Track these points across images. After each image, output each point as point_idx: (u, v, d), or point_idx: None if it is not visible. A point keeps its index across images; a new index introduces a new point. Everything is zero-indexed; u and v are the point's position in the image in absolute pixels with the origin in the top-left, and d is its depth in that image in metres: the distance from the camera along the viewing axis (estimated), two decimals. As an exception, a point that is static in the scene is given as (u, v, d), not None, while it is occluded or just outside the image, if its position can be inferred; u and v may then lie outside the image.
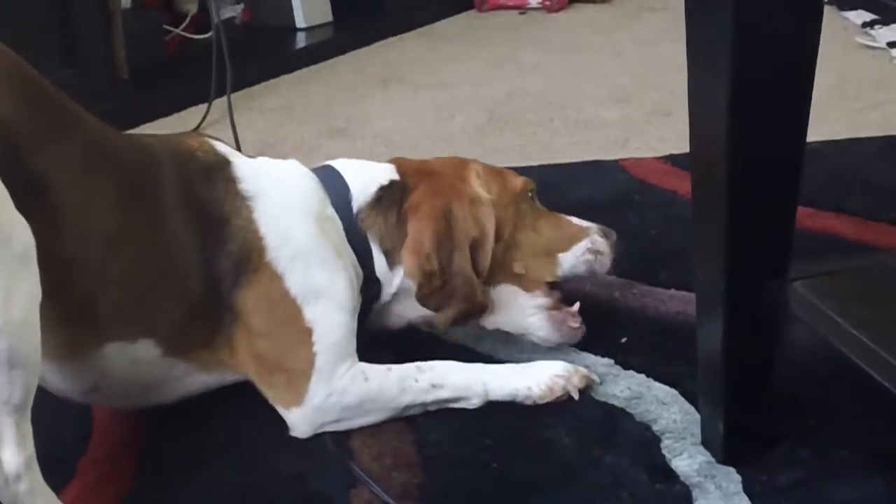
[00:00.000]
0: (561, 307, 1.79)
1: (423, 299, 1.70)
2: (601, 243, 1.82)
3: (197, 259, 1.58)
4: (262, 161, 1.74)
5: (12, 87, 1.38)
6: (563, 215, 1.86)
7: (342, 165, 1.79)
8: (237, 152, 1.71)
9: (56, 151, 1.44)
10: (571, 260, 1.81)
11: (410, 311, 1.76)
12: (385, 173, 1.77)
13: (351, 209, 1.72)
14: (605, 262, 1.83)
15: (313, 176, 1.74)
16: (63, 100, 1.49)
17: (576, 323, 1.79)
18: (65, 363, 1.53)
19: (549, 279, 1.80)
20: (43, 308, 1.37)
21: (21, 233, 1.28)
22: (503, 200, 1.78)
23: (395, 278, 1.74)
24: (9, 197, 1.28)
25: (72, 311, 1.50)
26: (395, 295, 1.75)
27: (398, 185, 1.75)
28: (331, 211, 1.70)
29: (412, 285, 1.70)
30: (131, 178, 1.55)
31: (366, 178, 1.76)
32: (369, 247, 1.72)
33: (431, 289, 1.69)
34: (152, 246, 1.55)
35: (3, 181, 1.28)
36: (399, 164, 1.81)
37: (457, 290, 1.69)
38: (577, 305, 1.81)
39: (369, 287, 1.73)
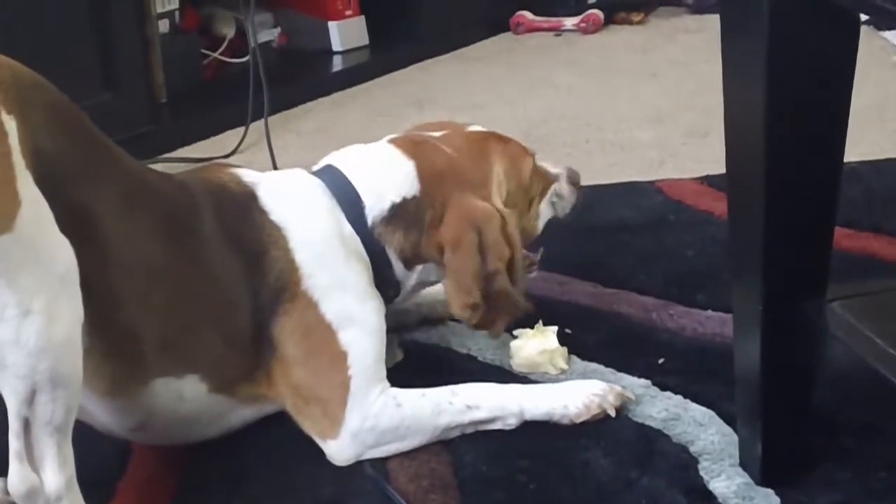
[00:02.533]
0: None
1: (475, 327, 1.75)
2: (565, 189, 1.91)
3: (238, 292, 1.59)
4: (272, 179, 1.72)
5: (54, 121, 1.39)
6: (539, 162, 1.91)
7: (350, 168, 1.76)
8: (256, 174, 1.71)
9: (97, 185, 1.45)
10: (543, 209, 1.91)
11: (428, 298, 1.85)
12: (401, 187, 1.73)
13: (365, 222, 1.71)
14: (566, 206, 1.93)
15: (325, 189, 1.72)
16: (102, 137, 1.50)
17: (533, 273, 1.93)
18: (111, 399, 1.54)
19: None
20: (88, 343, 1.39)
21: (63, 254, 1.29)
22: (518, 193, 1.83)
23: (413, 276, 1.77)
24: (52, 219, 1.29)
25: (117, 347, 1.50)
26: (414, 287, 1.80)
27: (415, 202, 1.73)
28: (348, 228, 1.70)
29: (427, 276, 1.76)
30: (170, 214, 1.57)
31: (379, 191, 1.73)
32: (387, 257, 1.73)
33: (479, 317, 1.71)
34: (194, 280, 1.56)
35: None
36: (419, 160, 1.76)
37: (502, 308, 1.73)
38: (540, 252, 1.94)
39: (388, 288, 1.74)
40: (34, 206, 1.27)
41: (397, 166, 1.76)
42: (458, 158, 1.79)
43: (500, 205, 1.77)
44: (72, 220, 1.35)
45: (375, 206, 1.72)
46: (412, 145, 1.80)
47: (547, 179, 1.91)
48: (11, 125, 1.28)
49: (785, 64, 1.26)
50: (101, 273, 1.44)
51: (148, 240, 1.52)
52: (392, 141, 1.82)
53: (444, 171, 1.76)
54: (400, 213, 1.72)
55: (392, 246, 1.73)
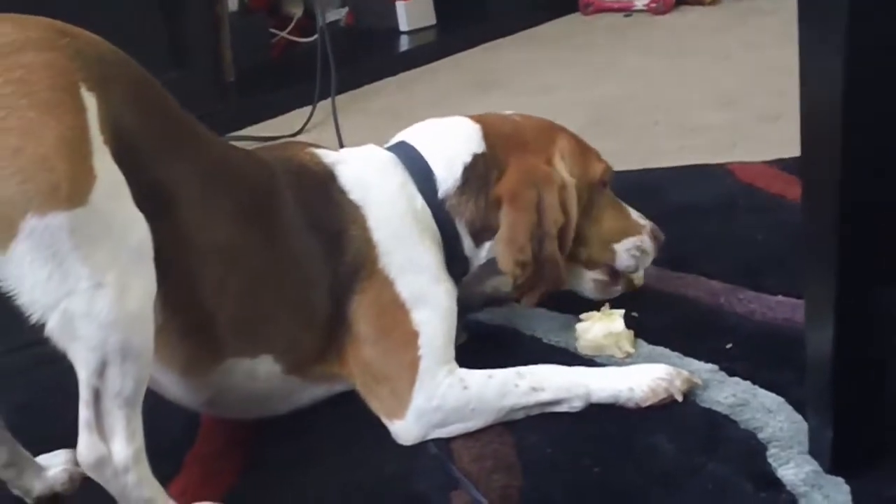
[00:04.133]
0: (608, 279, 1.90)
1: (516, 288, 1.75)
2: (649, 245, 1.90)
3: (316, 272, 1.60)
4: (349, 158, 1.73)
5: (136, 98, 1.40)
6: (625, 206, 1.92)
7: (421, 141, 1.78)
8: (334, 153, 1.72)
9: (177, 165, 1.46)
10: (621, 252, 1.89)
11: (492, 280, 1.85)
12: (468, 145, 1.76)
13: (437, 195, 1.73)
14: (646, 262, 1.92)
15: (398, 163, 1.74)
16: (183, 114, 1.51)
17: (617, 291, 1.92)
18: (185, 376, 1.56)
19: (605, 260, 1.88)
20: (164, 321, 1.41)
21: (137, 229, 1.30)
22: (580, 186, 1.81)
23: (481, 252, 1.77)
24: (128, 194, 1.30)
25: (194, 325, 1.52)
26: (481, 267, 1.80)
27: (482, 159, 1.75)
28: (420, 201, 1.71)
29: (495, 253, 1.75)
30: (250, 194, 1.57)
31: (449, 157, 1.75)
32: (457, 231, 1.74)
33: (525, 277, 1.71)
34: (273, 261, 1.57)
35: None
36: (485, 124, 1.80)
37: (546, 274, 1.73)
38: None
39: (457, 265, 1.75)
40: (110, 181, 1.28)
41: (464, 130, 1.79)
42: (526, 126, 1.82)
43: (563, 172, 1.78)
44: (150, 198, 1.36)
45: (448, 177, 1.74)
46: (480, 115, 1.84)
47: (629, 220, 1.90)
48: (91, 101, 1.28)
49: (865, 46, 1.24)
50: (179, 252, 1.45)
51: (228, 220, 1.53)
52: (464, 115, 1.85)
53: (509, 133, 1.79)
54: (470, 177, 1.73)
55: (462, 217, 1.74)
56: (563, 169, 1.78)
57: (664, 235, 1.92)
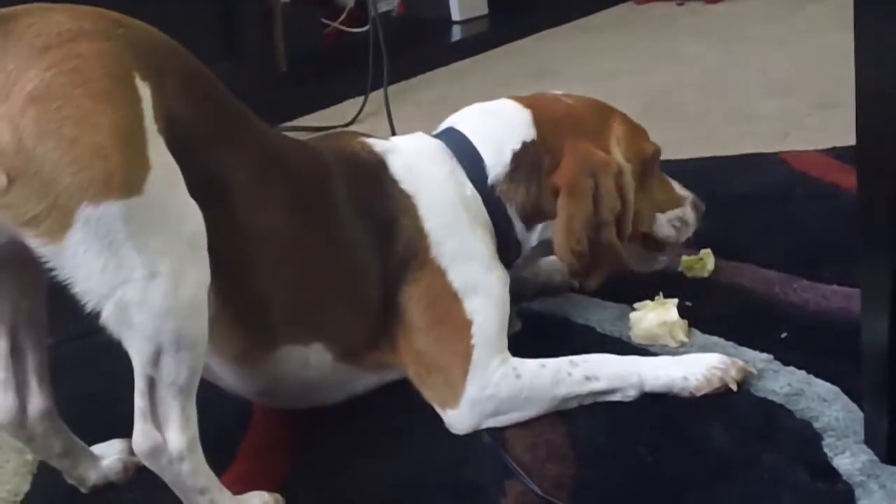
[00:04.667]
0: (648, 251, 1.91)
1: (575, 275, 1.76)
2: (690, 216, 1.90)
3: (368, 261, 1.60)
4: (400, 147, 1.73)
5: (189, 88, 1.40)
6: (667, 178, 1.92)
7: (470, 128, 1.77)
8: (385, 142, 1.72)
9: (231, 154, 1.47)
10: (663, 222, 1.89)
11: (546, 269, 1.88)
12: (518, 131, 1.75)
13: (486, 181, 1.72)
14: (688, 232, 1.92)
15: (446, 151, 1.74)
16: (237, 104, 1.52)
17: (662, 262, 1.94)
18: (238, 365, 1.57)
19: (645, 230, 1.88)
20: (217, 310, 1.42)
21: (192, 218, 1.30)
22: (634, 167, 1.80)
23: (532, 235, 1.77)
24: (182, 183, 1.31)
25: (247, 314, 1.53)
26: (534, 249, 1.80)
27: (533, 146, 1.74)
28: (470, 189, 1.71)
29: (547, 234, 1.75)
30: (303, 184, 1.58)
31: (498, 143, 1.74)
32: (508, 216, 1.74)
33: (583, 265, 1.71)
34: (326, 250, 1.58)
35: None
36: (536, 108, 1.78)
37: (605, 260, 1.72)
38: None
39: (509, 249, 1.75)
40: (164, 170, 1.29)
41: (513, 115, 1.78)
42: (578, 108, 1.80)
43: (619, 157, 1.77)
44: (204, 187, 1.36)
45: (497, 163, 1.73)
46: (530, 98, 1.83)
47: (672, 193, 1.90)
48: (146, 91, 1.29)
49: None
50: (233, 241, 1.46)
51: (280, 210, 1.53)
52: (512, 97, 1.83)
53: (561, 118, 1.77)
54: (520, 164, 1.73)
55: (513, 202, 1.73)
56: (619, 154, 1.77)
57: (704, 205, 1.92)
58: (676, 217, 1.89)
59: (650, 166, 1.85)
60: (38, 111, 1.20)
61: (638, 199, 1.81)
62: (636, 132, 1.85)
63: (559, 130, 1.75)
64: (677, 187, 1.91)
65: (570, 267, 1.72)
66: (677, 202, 1.90)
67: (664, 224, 1.88)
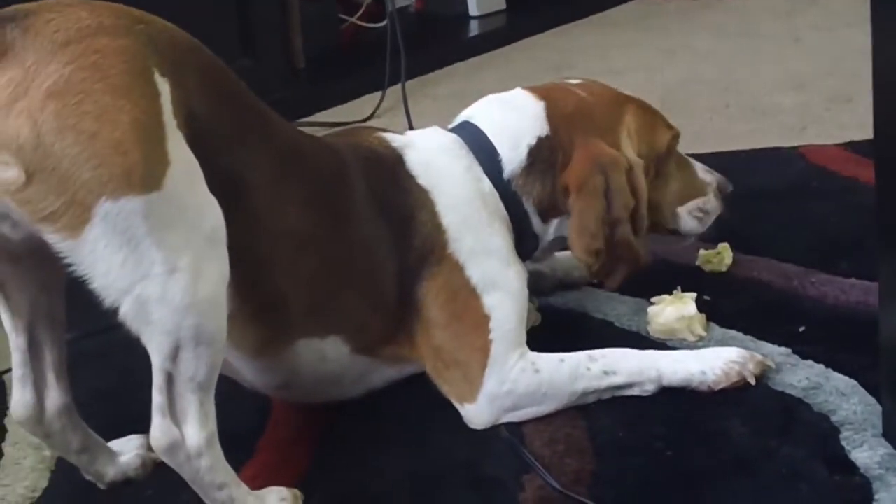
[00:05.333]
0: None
1: (593, 275, 1.74)
2: (712, 205, 1.88)
3: (386, 256, 1.60)
4: (416, 142, 1.72)
5: (208, 84, 1.41)
6: (691, 163, 1.89)
7: (486, 121, 1.76)
8: (402, 137, 1.73)
9: (249, 151, 1.47)
10: (684, 214, 1.87)
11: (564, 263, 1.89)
12: (532, 127, 1.73)
13: (503, 176, 1.72)
14: (709, 222, 1.89)
15: (462, 145, 1.73)
16: (256, 101, 1.52)
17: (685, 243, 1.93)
18: (258, 359, 1.58)
19: (666, 224, 1.87)
20: (236, 306, 1.42)
21: (211, 214, 1.31)
22: (648, 162, 1.78)
23: (550, 228, 1.76)
24: (202, 179, 1.31)
25: (265, 309, 1.53)
26: (551, 243, 1.79)
27: (547, 142, 1.72)
28: (487, 183, 1.70)
29: (564, 230, 1.74)
30: (321, 181, 1.58)
31: (513, 137, 1.73)
32: (525, 209, 1.73)
33: (600, 264, 1.70)
34: (343, 245, 1.58)
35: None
36: (549, 101, 1.76)
37: (622, 257, 1.71)
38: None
39: (527, 243, 1.74)
40: (184, 165, 1.29)
41: (528, 109, 1.76)
42: (590, 102, 1.78)
43: (629, 153, 1.75)
44: (223, 184, 1.36)
45: (513, 157, 1.72)
46: (544, 89, 1.81)
47: (694, 179, 1.88)
48: (165, 87, 1.29)
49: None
50: (251, 238, 1.46)
51: (299, 206, 1.53)
52: (527, 87, 1.82)
53: (573, 112, 1.75)
54: (535, 159, 1.72)
55: (530, 197, 1.72)
56: (629, 149, 1.76)
57: (731, 186, 1.90)
58: (697, 207, 1.87)
59: (667, 157, 1.83)
60: (57, 106, 1.20)
61: (656, 190, 1.80)
62: (650, 123, 1.82)
63: (571, 126, 1.73)
64: (701, 171, 1.89)
65: (589, 267, 1.71)
66: (700, 190, 1.87)
67: (685, 217, 1.86)
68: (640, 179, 1.74)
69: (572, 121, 1.74)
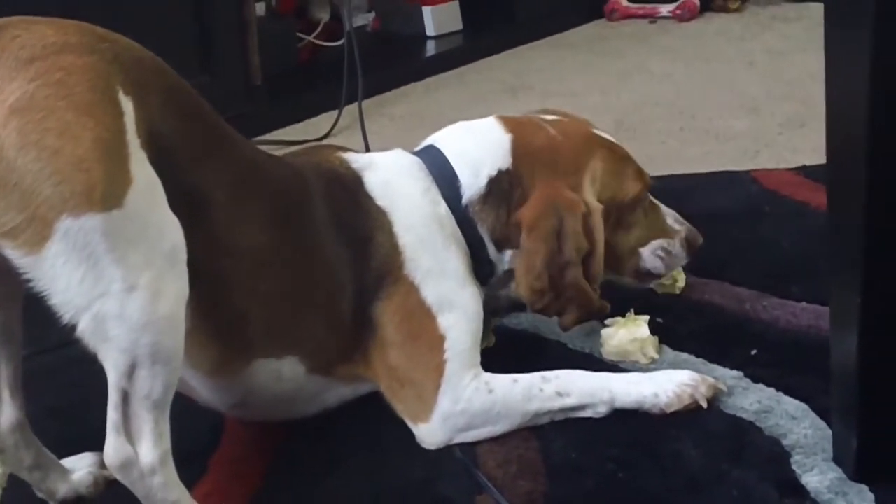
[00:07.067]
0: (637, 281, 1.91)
1: (538, 312, 1.74)
2: (677, 249, 1.89)
3: (344, 277, 1.61)
4: (377, 163, 1.73)
5: (171, 104, 1.41)
6: (661, 210, 1.90)
7: (450, 147, 1.76)
8: (363, 158, 1.73)
9: (211, 169, 1.47)
10: (646, 254, 1.88)
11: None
12: (495, 158, 1.73)
13: (461, 201, 1.72)
14: (676, 264, 1.91)
15: (422, 168, 1.74)
16: (218, 120, 1.52)
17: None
18: (214, 377, 1.58)
19: (630, 265, 1.88)
20: (194, 324, 1.42)
21: (172, 232, 1.31)
22: (609, 209, 1.78)
23: (504, 258, 1.76)
24: (164, 198, 1.31)
25: (224, 328, 1.53)
26: (506, 272, 1.78)
27: (507, 176, 1.72)
28: (444, 207, 1.71)
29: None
30: (282, 201, 1.58)
31: (474, 165, 1.73)
32: (480, 235, 1.73)
33: (544, 303, 1.71)
34: (303, 266, 1.58)
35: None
36: (517, 136, 1.76)
37: (572, 300, 1.71)
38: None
39: (483, 268, 1.75)
40: (146, 184, 1.29)
41: (494, 139, 1.76)
42: (558, 141, 1.77)
43: (589, 198, 1.75)
44: (184, 203, 1.36)
45: (473, 184, 1.72)
46: (515, 122, 1.80)
47: (661, 228, 1.89)
48: (129, 106, 1.30)
49: (891, 51, 1.24)
50: (211, 256, 1.46)
51: (259, 225, 1.54)
52: (499, 117, 1.82)
53: (538, 150, 1.75)
54: (493, 189, 1.72)
55: (485, 224, 1.73)
56: (590, 194, 1.75)
57: (702, 239, 1.91)
58: (661, 247, 1.87)
59: (631, 206, 1.83)
60: (20, 122, 1.20)
61: (617, 235, 1.81)
62: (619, 170, 1.82)
63: (534, 163, 1.73)
64: (672, 220, 1.90)
65: (531, 304, 1.72)
66: (660, 235, 1.88)
67: (648, 256, 1.87)
68: (598, 225, 1.73)
69: (536, 158, 1.74)
